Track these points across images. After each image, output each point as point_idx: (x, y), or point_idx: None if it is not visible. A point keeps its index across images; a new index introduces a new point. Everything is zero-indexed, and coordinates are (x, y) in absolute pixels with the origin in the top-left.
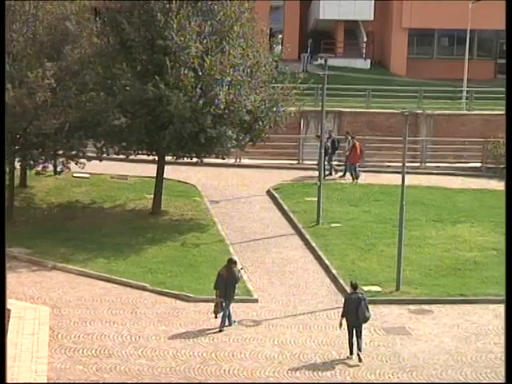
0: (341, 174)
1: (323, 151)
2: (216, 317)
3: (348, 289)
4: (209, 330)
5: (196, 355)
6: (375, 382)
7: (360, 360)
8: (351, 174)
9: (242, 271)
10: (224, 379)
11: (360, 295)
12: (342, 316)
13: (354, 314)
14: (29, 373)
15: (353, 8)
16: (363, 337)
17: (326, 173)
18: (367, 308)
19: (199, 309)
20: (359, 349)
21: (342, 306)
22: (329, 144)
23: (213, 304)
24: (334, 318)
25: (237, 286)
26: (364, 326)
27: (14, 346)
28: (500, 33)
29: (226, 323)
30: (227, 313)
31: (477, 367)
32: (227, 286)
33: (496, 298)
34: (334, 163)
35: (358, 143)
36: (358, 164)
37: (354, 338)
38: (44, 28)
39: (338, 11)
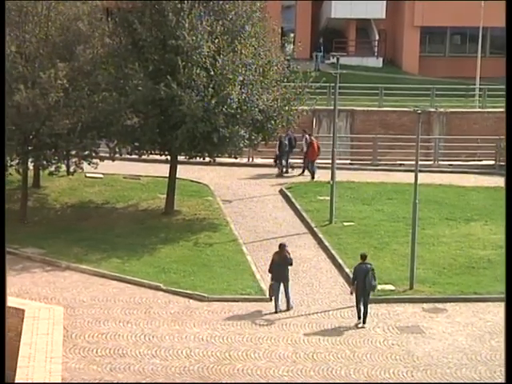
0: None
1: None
2: (271, 299)
3: (368, 310)
4: (223, 329)
5: (210, 355)
6: (390, 381)
7: (364, 322)
8: (309, 171)
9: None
10: (238, 379)
11: (368, 265)
12: (352, 284)
13: (362, 282)
14: (43, 373)
15: (365, 6)
16: (369, 304)
17: (284, 170)
18: (374, 277)
19: (213, 308)
20: (365, 314)
21: (355, 304)
22: (286, 142)
23: (227, 302)
24: (347, 316)
25: (290, 267)
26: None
27: (28, 346)
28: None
29: (280, 306)
30: (288, 295)
31: (491, 366)
32: (280, 269)
33: None
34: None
35: (315, 140)
36: (314, 161)
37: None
38: (56, 29)
39: (350, 10)
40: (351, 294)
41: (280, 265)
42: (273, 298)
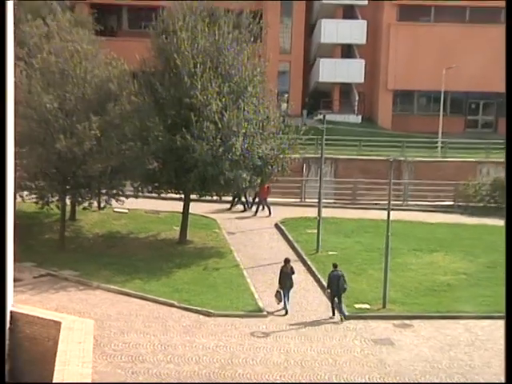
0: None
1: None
2: (278, 303)
3: (342, 307)
4: (226, 340)
5: (215, 361)
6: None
7: (342, 319)
8: (266, 208)
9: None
10: (238, 378)
11: (339, 272)
12: (327, 288)
13: (336, 286)
14: (76, 375)
15: (346, 72)
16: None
17: (242, 208)
18: (345, 281)
19: (218, 322)
20: (340, 311)
21: (338, 320)
22: None
23: (230, 317)
24: (330, 330)
25: (293, 276)
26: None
27: (64, 353)
28: (469, 94)
29: (287, 306)
30: (288, 298)
31: (450, 373)
32: (287, 277)
33: (467, 315)
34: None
35: None
36: (266, 199)
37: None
38: (91, 89)
39: (334, 75)
40: (328, 294)
41: (287, 274)
42: (281, 302)
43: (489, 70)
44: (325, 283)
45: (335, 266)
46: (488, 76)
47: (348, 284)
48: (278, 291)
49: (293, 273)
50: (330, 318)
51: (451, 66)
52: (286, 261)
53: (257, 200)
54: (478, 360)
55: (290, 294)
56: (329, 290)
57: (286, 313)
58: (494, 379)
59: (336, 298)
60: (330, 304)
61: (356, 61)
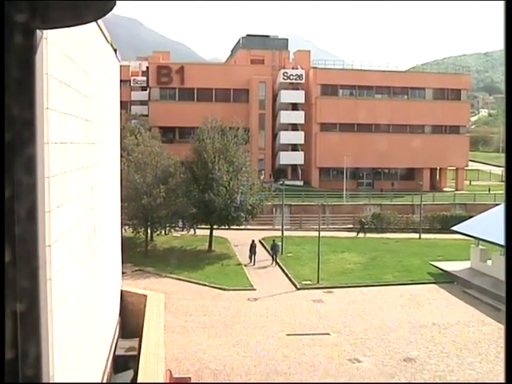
0: None
1: None
2: (249, 261)
3: (297, 283)
4: (235, 302)
5: (229, 314)
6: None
7: (273, 264)
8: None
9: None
10: (242, 323)
11: (277, 243)
12: (271, 250)
13: (274, 249)
14: (155, 323)
15: (294, 158)
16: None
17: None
18: (278, 247)
19: (230, 293)
20: (273, 261)
21: (292, 290)
22: None
23: (236, 291)
24: (290, 297)
25: (256, 248)
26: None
27: (148, 311)
28: (358, 169)
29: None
30: (254, 259)
31: (352, 314)
32: (253, 248)
33: (361, 284)
34: None
35: None
36: None
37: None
38: (160, 171)
39: (288, 160)
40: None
41: (254, 247)
42: (251, 261)
43: (366, 158)
44: (286, 270)
45: (274, 240)
46: (364, 159)
47: (299, 271)
48: (249, 255)
49: (255, 246)
50: (272, 264)
51: (338, 167)
52: (253, 241)
53: None
54: (368, 308)
55: (256, 258)
56: (271, 251)
57: (254, 264)
58: (376, 318)
59: (274, 256)
60: (291, 289)
61: (299, 152)
